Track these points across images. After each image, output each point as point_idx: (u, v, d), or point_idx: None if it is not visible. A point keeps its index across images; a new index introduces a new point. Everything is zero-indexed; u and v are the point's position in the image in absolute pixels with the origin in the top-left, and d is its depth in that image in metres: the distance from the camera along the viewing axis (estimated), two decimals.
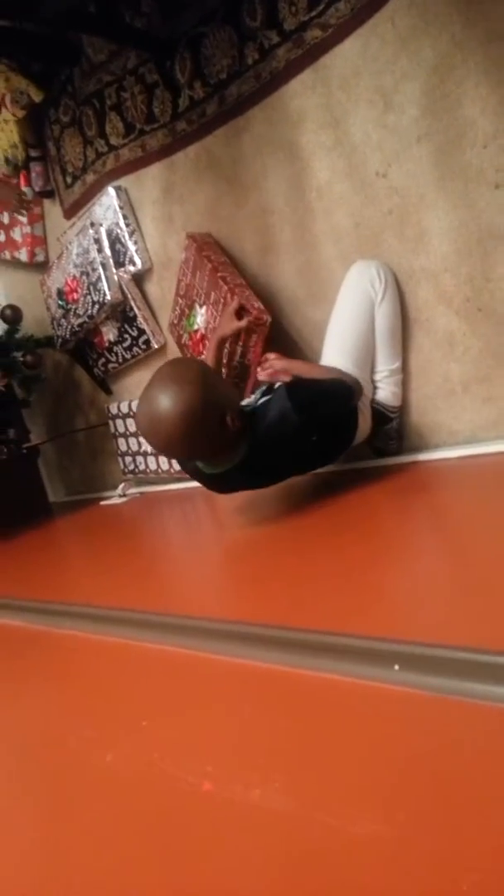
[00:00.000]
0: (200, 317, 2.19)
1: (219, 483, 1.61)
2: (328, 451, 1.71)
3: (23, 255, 3.10)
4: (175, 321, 2.42)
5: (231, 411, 1.42)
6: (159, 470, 2.71)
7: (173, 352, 2.61)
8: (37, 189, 2.96)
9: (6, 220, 3.11)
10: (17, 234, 3.08)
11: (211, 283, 2.09)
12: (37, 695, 0.93)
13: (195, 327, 2.24)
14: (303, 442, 1.52)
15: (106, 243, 2.59)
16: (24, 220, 3.03)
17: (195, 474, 1.64)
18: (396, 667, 0.65)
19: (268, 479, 1.65)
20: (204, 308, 2.17)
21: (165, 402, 1.33)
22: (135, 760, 0.66)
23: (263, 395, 1.57)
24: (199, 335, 2.21)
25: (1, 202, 3.07)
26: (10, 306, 2.96)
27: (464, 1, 1.56)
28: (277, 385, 1.53)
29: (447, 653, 0.65)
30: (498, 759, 0.50)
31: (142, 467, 2.82)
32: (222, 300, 2.01)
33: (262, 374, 1.66)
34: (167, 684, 0.82)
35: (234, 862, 0.48)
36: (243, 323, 1.86)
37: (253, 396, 1.63)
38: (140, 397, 1.41)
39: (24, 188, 2.96)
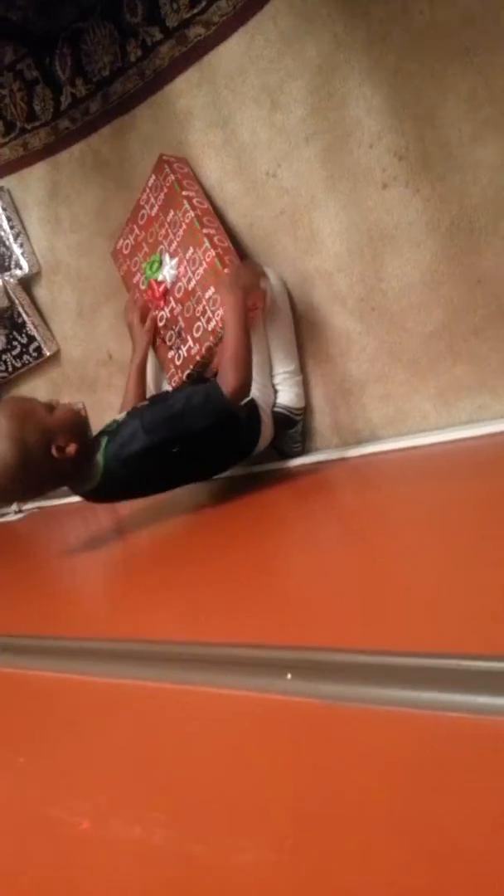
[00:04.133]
0: (170, 269, 1.90)
1: (95, 498, 1.54)
2: (217, 458, 1.65)
3: None
4: (125, 252, 2.08)
5: (62, 436, 1.37)
6: None
7: (81, 338, 2.52)
8: None
9: None
10: None
11: (190, 235, 1.79)
12: None
13: (159, 278, 1.95)
14: (163, 457, 1.45)
15: None
16: None
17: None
18: (289, 675, 0.61)
19: (143, 492, 1.60)
20: (175, 261, 1.89)
21: None
22: (9, 800, 0.59)
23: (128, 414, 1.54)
24: (162, 288, 1.92)
25: None
26: None
27: (344, 1, 1.57)
28: (141, 404, 1.50)
29: (342, 657, 0.61)
30: (399, 767, 0.47)
31: None
32: (204, 262, 1.75)
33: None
34: (44, 715, 0.76)
35: None
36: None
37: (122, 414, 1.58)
38: None
39: None
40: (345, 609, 0.76)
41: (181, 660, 0.74)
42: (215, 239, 1.74)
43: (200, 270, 1.77)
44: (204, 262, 1.74)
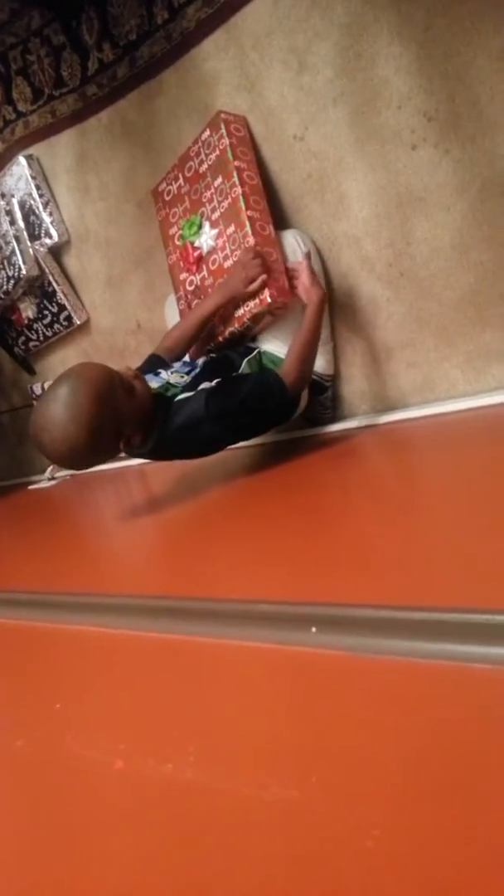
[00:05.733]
0: (208, 238, 1.86)
1: (135, 455, 1.55)
2: (255, 430, 1.67)
3: None
4: (167, 198, 2.02)
5: (132, 428, 1.36)
6: None
7: (110, 306, 2.54)
8: None
9: None
10: None
11: (234, 212, 1.76)
12: None
13: (196, 243, 1.91)
14: (216, 438, 1.48)
15: (19, 215, 2.48)
16: None
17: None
18: (314, 629, 0.63)
19: (185, 458, 1.61)
20: (215, 232, 1.84)
21: (59, 411, 1.23)
22: (46, 743, 0.63)
23: (193, 380, 1.52)
24: (197, 254, 1.90)
25: None
26: None
27: None
28: (200, 387, 1.44)
29: (363, 612, 0.63)
30: (419, 714, 0.49)
31: None
32: (241, 243, 1.73)
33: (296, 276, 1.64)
34: (81, 665, 0.79)
35: (146, 834, 0.47)
36: (265, 304, 1.67)
37: (183, 374, 1.57)
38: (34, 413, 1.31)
39: None
40: (371, 567, 0.78)
41: (213, 614, 0.76)
42: (257, 225, 1.73)
43: (238, 253, 1.76)
44: (242, 247, 1.73)
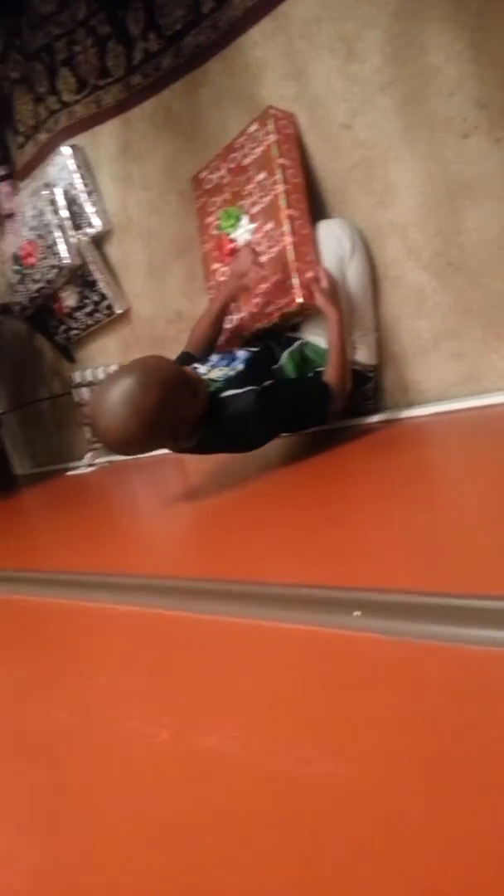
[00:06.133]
0: (245, 232, 1.86)
1: (182, 451, 1.57)
2: (299, 429, 1.68)
3: None
4: (207, 186, 2.03)
5: (186, 431, 1.39)
6: None
7: (151, 296, 2.56)
8: (4, 212, 2.88)
9: None
10: None
11: (274, 209, 1.76)
12: None
13: (232, 235, 1.92)
14: (262, 437, 1.51)
15: (62, 205, 2.50)
16: None
17: None
18: (357, 613, 0.64)
19: (228, 452, 1.63)
20: (253, 227, 1.84)
21: (124, 396, 1.24)
22: (90, 716, 0.65)
23: (237, 375, 1.53)
24: (231, 247, 1.91)
25: None
26: None
27: None
28: (247, 388, 1.45)
29: (404, 597, 0.65)
30: (458, 696, 0.50)
31: None
32: (279, 244, 1.73)
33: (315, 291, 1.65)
34: (124, 643, 0.82)
35: (188, 803, 0.48)
36: (295, 305, 1.68)
37: (223, 368, 1.58)
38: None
39: None
40: (415, 553, 0.79)
41: (258, 597, 0.78)
42: (297, 224, 1.73)
43: (274, 251, 1.76)
44: (279, 245, 1.74)
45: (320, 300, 1.63)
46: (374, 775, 0.44)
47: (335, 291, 1.65)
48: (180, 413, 1.32)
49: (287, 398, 1.50)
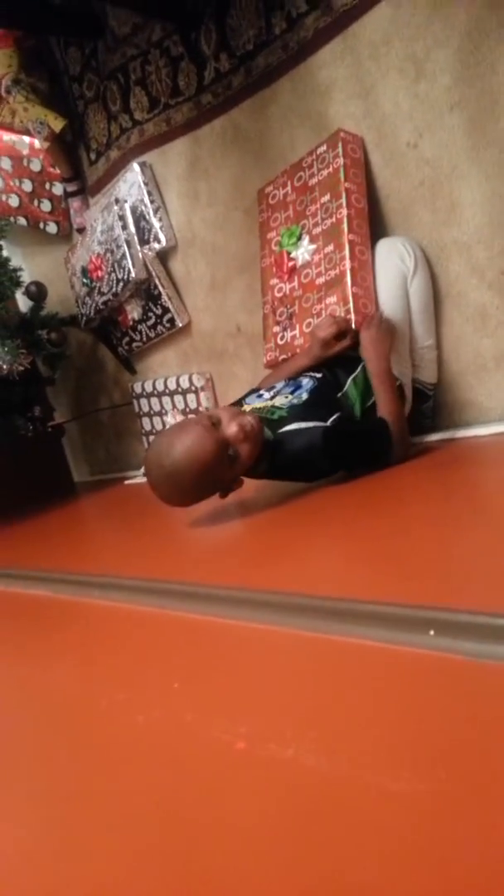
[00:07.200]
0: (304, 251, 1.90)
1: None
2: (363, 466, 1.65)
3: (51, 228, 3.08)
4: (271, 201, 2.07)
5: (229, 486, 1.43)
6: None
7: (212, 310, 2.60)
8: (75, 226, 3.00)
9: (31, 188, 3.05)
10: (46, 206, 3.05)
11: (335, 232, 1.79)
12: (68, 662, 0.93)
13: (292, 253, 1.95)
14: (324, 472, 1.54)
15: (130, 220, 2.57)
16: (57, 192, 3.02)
17: None
18: (432, 632, 0.64)
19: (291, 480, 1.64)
20: (313, 248, 1.88)
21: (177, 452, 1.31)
22: (166, 721, 0.65)
23: (303, 405, 1.55)
24: (291, 265, 1.94)
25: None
26: (35, 283, 2.95)
27: None
28: (314, 424, 1.49)
29: (482, 619, 0.64)
30: None
31: None
32: (338, 268, 1.76)
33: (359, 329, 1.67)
34: (196, 650, 0.82)
35: (268, 815, 0.48)
36: (345, 343, 1.69)
37: (287, 395, 1.61)
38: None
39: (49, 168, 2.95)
40: (487, 574, 0.77)
41: (332, 613, 0.78)
42: (357, 249, 1.75)
43: (332, 273, 1.79)
44: (338, 268, 1.77)
45: (365, 342, 1.64)
46: (467, 793, 0.44)
47: (384, 340, 1.65)
48: (221, 479, 1.39)
49: (353, 438, 1.55)
